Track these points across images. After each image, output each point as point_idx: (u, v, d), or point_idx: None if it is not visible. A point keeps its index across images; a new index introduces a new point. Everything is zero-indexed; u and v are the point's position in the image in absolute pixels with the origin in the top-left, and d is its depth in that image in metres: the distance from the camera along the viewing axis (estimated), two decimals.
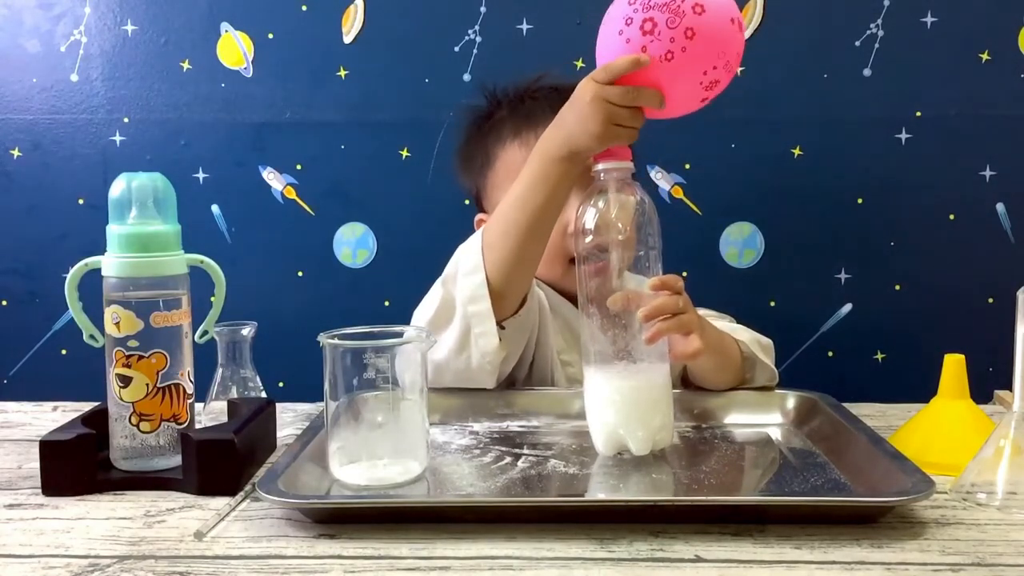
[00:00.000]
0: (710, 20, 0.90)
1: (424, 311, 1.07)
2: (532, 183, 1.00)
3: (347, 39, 1.57)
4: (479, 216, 1.28)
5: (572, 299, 1.20)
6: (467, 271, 1.03)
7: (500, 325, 1.04)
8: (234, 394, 1.04)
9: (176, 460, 0.88)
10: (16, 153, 1.60)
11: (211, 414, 1.03)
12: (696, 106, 0.96)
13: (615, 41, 0.93)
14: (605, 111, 0.93)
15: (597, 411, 0.94)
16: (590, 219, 0.94)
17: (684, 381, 1.14)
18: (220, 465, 0.86)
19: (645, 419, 0.92)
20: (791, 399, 1.07)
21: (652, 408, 0.93)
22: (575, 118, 0.95)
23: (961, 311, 1.57)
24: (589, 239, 0.94)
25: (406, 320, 1.07)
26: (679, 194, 1.58)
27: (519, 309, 1.06)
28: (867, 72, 1.55)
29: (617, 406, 0.93)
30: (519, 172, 1.02)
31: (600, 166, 0.94)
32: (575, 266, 1.07)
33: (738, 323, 1.21)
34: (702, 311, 1.18)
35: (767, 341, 1.17)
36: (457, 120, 1.33)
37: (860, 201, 1.57)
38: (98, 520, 0.80)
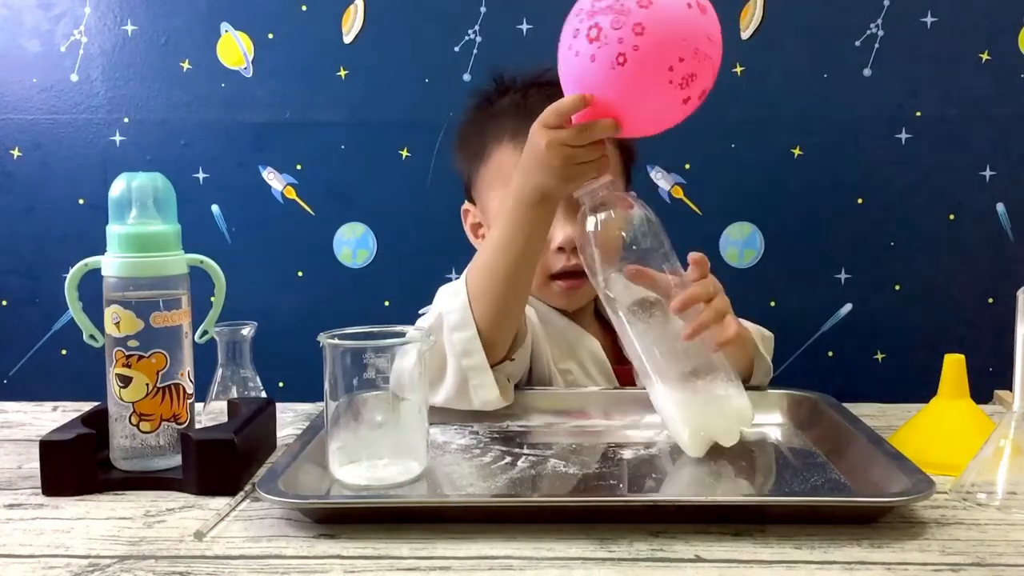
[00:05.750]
0: (661, 10, 0.84)
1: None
2: (511, 230, 0.98)
3: (347, 39, 1.57)
4: (465, 206, 1.26)
5: (559, 309, 1.20)
6: (456, 326, 1.00)
7: (509, 357, 1.04)
8: (234, 394, 1.04)
9: (176, 460, 0.88)
10: (16, 153, 1.60)
11: (211, 414, 1.03)
12: (679, 108, 0.89)
13: (566, 58, 0.90)
14: (563, 155, 0.91)
15: (672, 419, 0.93)
16: (594, 237, 0.92)
17: None
18: (220, 465, 0.85)
19: (716, 415, 0.92)
20: (791, 399, 1.07)
21: (715, 402, 0.92)
22: (538, 165, 0.93)
23: (961, 311, 1.57)
24: (599, 256, 0.92)
25: (406, 320, 1.07)
26: (679, 194, 1.58)
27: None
28: (867, 72, 1.55)
29: (685, 413, 0.92)
30: (510, 175, 0.99)
31: (580, 191, 0.93)
32: (552, 282, 1.13)
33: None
34: None
35: (768, 334, 1.17)
36: (459, 116, 1.32)
37: (860, 201, 1.57)
38: (98, 520, 0.79)
